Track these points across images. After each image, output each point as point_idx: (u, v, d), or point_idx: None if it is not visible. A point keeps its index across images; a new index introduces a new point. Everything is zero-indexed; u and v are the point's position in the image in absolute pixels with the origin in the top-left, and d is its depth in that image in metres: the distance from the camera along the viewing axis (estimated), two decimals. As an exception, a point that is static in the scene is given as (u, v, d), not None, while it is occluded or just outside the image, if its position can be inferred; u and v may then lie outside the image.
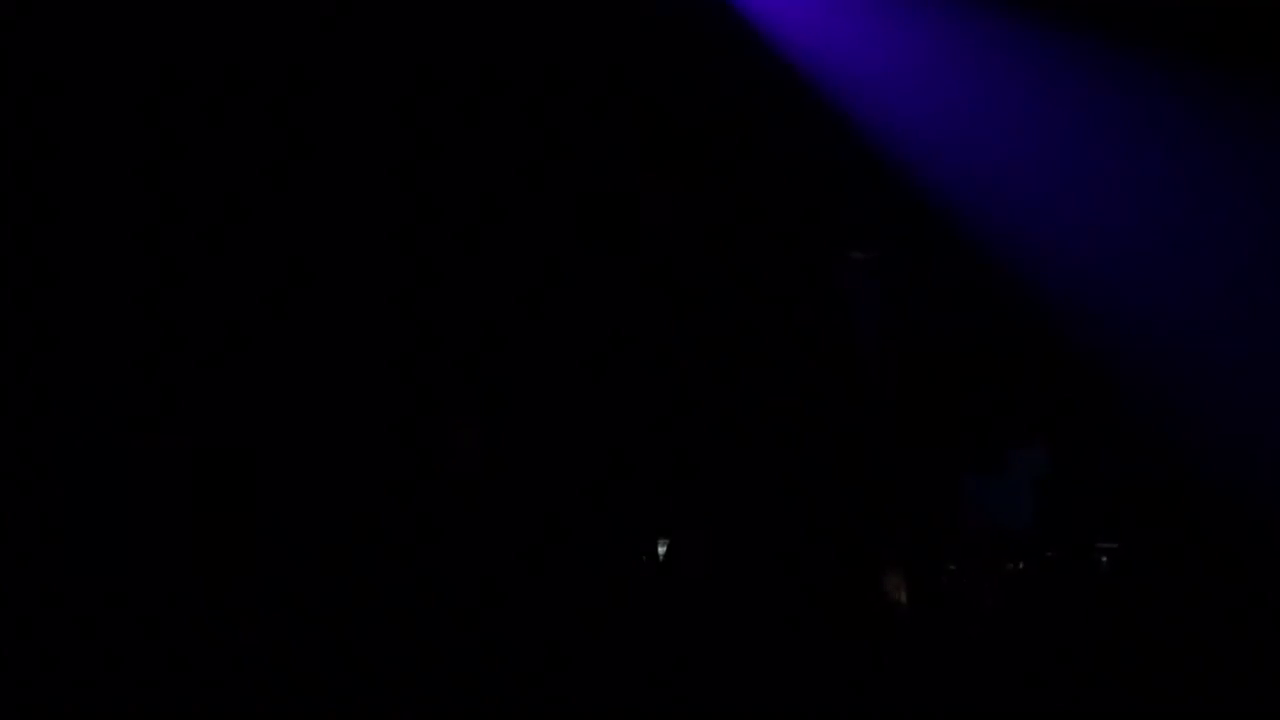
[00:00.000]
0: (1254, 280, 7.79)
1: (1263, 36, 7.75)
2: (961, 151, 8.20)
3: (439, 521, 7.34)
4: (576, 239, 8.02)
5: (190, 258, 7.26)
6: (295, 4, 7.42)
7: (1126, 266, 8.02)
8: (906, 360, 8.08)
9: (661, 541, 7.33)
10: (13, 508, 6.66)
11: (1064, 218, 8.09)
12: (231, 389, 7.23)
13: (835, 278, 8.16)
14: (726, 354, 8.05)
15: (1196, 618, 6.88)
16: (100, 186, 7.14)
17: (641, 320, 8.03)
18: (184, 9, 7.18)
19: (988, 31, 8.12)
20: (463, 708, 6.44)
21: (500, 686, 6.48)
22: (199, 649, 6.47)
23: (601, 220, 8.07)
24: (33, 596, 6.49)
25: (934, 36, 8.20)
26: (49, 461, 6.84)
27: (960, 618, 7.15)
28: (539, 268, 7.91)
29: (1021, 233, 8.14)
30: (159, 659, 6.41)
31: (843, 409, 7.94)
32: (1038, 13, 8.05)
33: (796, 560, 7.22)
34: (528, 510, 7.47)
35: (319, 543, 7.06)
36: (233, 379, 7.24)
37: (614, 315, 8.03)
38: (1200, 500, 7.62)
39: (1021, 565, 7.28)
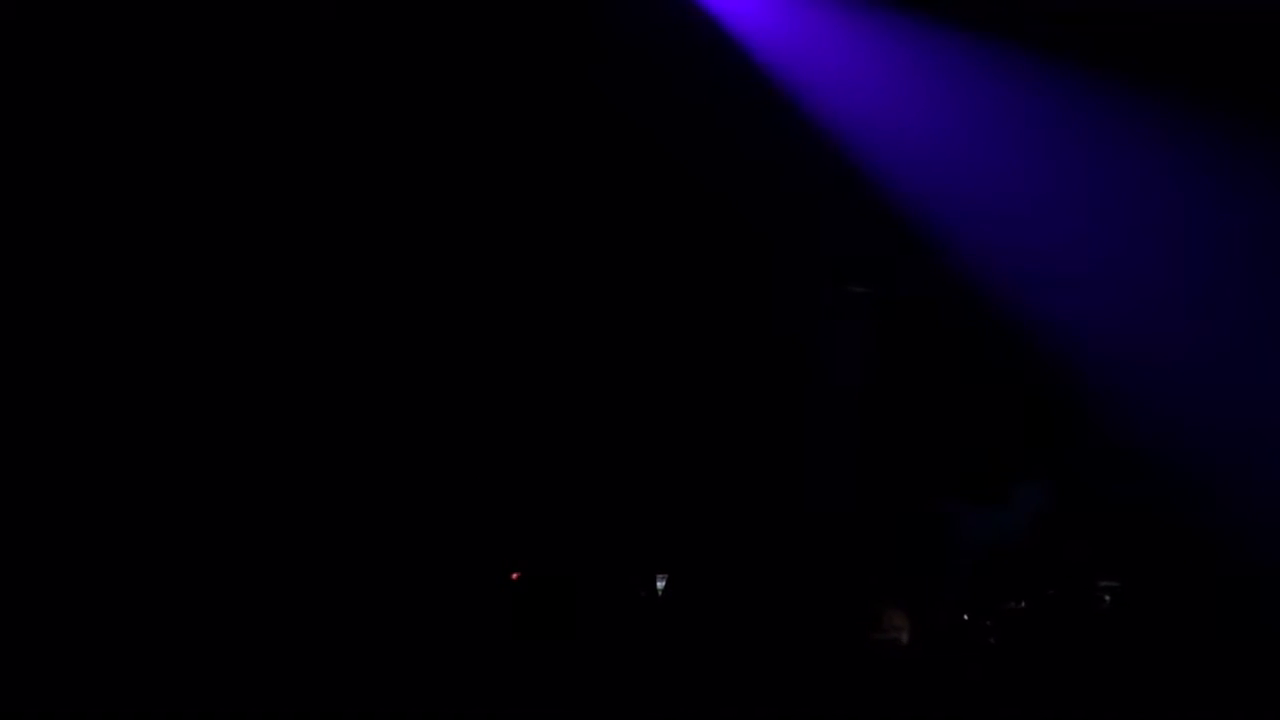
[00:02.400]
0: (1260, 307, 7.77)
1: (1236, 57, 7.76)
2: (959, 184, 8.17)
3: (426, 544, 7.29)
4: (563, 263, 7.97)
5: (189, 258, 7.23)
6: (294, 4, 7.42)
7: (1129, 294, 7.99)
8: (906, 395, 8.01)
9: (661, 577, 7.25)
10: (12, 508, 6.61)
11: (1064, 248, 8.06)
12: (231, 389, 7.18)
13: (834, 313, 8.10)
14: (725, 391, 8.00)
15: (1201, 657, 6.80)
16: (101, 187, 7.10)
17: (635, 357, 7.97)
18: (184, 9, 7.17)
19: (980, 61, 8.11)
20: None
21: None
22: (199, 649, 6.40)
23: (587, 253, 8.03)
24: (32, 597, 6.42)
25: (928, 70, 8.18)
26: (49, 461, 6.78)
27: (961, 657, 7.06)
28: (532, 289, 7.86)
29: (1020, 263, 8.10)
30: (159, 659, 6.33)
31: (843, 445, 7.87)
32: (1024, 42, 8.05)
33: (798, 598, 7.14)
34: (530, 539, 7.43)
35: (318, 543, 7.01)
36: (232, 379, 7.19)
37: (604, 351, 7.97)
38: (1205, 537, 7.56)
39: (1023, 604, 7.19)
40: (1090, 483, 7.79)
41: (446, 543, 7.32)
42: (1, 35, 6.89)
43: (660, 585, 7.21)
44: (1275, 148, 7.82)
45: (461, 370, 7.74)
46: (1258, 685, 6.67)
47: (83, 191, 7.10)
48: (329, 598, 6.92)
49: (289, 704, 6.28)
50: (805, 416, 8.06)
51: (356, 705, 6.43)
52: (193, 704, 6.24)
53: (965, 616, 7.14)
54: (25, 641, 6.34)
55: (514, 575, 7.11)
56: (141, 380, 7.11)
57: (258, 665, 6.46)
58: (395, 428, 7.54)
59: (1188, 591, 7.23)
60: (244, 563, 6.92)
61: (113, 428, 6.99)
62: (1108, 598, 7.22)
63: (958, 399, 8.01)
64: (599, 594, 7.12)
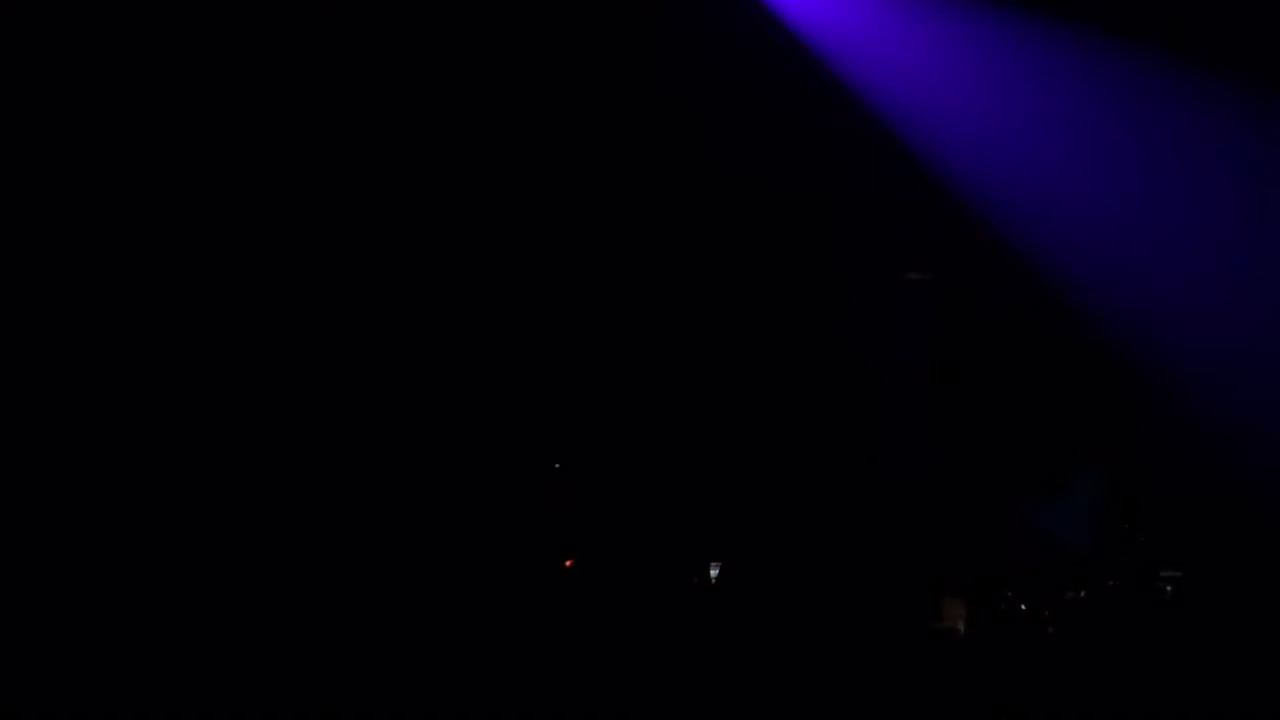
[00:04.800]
0: None
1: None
2: (1020, 171, 8.11)
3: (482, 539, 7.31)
4: (627, 263, 7.99)
5: (190, 259, 7.26)
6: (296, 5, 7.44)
7: (1186, 283, 7.91)
8: (962, 384, 7.97)
9: (714, 564, 7.25)
10: (12, 508, 6.66)
11: (1122, 236, 7.99)
12: (232, 389, 7.21)
13: (891, 302, 8.07)
14: (782, 381, 7.98)
15: (1264, 649, 6.71)
16: (102, 187, 7.14)
17: (694, 346, 7.97)
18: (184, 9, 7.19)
19: (1043, 46, 8.04)
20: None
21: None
22: (199, 649, 6.43)
23: (652, 248, 8.03)
24: (32, 596, 6.47)
25: (988, 56, 8.12)
26: (49, 461, 6.83)
27: (1020, 647, 7.01)
28: (596, 286, 7.88)
29: (1077, 251, 8.03)
30: (159, 659, 6.36)
31: (898, 434, 7.84)
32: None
33: (854, 589, 7.12)
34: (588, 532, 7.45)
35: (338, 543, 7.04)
36: (232, 379, 7.22)
37: (665, 341, 7.98)
38: (1269, 526, 7.46)
39: (1082, 594, 7.12)
40: (1152, 472, 7.72)
41: (507, 530, 7.35)
42: (2, 35, 6.93)
43: (713, 573, 7.23)
44: None
45: (528, 350, 7.78)
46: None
47: (83, 191, 7.12)
48: (384, 586, 6.96)
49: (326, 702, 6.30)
50: (864, 406, 8.03)
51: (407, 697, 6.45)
52: (195, 705, 6.25)
53: (1023, 606, 7.09)
54: (25, 641, 6.36)
55: (567, 563, 7.14)
56: (159, 381, 7.13)
57: (283, 661, 6.48)
58: (467, 415, 7.58)
59: (1250, 582, 7.14)
60: (274, 560, 6.94)
61: (127, 428, 7.01)
62: (1169, 588, 7.14)
63: (1017, 387, 7.96)
64: (654, 581, 7.15)
